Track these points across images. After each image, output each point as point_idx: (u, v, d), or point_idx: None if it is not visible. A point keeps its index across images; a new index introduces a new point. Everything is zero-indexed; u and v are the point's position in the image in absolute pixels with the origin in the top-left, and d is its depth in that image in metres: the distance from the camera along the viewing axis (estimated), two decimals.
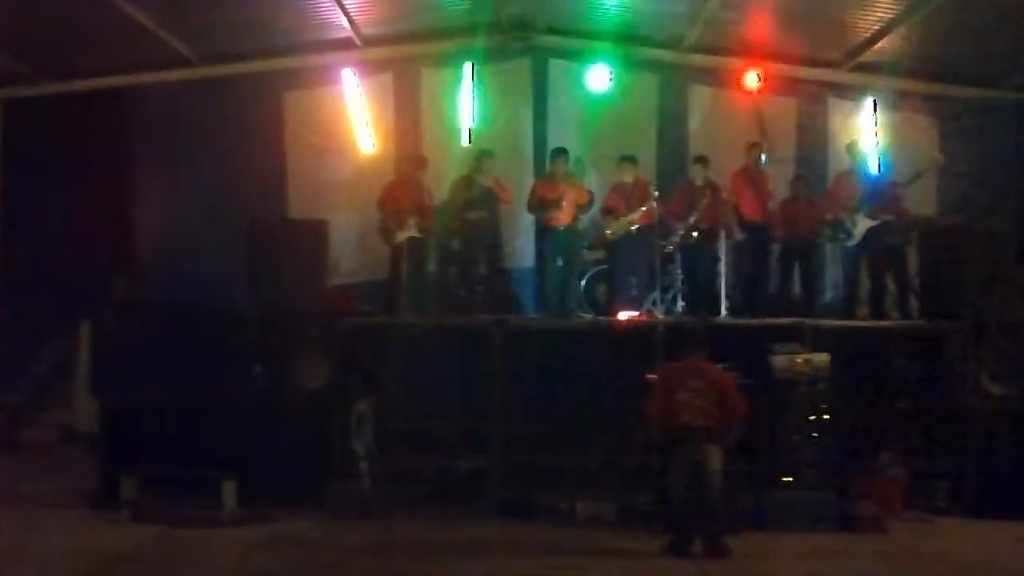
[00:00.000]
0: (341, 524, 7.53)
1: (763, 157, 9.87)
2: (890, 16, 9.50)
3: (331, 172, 10.58)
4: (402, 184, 9.82)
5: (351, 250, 10.50)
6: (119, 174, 10.68)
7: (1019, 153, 10.63)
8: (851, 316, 9.30)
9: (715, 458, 6.80)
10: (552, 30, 10.96)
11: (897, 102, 10.70)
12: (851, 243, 9.47)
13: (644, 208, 9.51)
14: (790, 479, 7.68)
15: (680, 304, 9.58)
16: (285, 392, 8.09)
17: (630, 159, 9.90)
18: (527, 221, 10.37)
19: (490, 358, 8.49)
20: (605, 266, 10.03)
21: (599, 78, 10.47)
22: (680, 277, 9.68)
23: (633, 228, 9.61)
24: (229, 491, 7.60)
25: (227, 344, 8.17)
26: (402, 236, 9.47)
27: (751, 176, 9.88)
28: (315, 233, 8.72)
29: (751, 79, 10.31)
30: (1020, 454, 8.05)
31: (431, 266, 9.84)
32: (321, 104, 10.60)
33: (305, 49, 10.61)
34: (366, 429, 8.12)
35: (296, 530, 7.40)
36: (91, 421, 8.65)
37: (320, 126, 10.62)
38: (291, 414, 8.07)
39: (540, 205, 9.71)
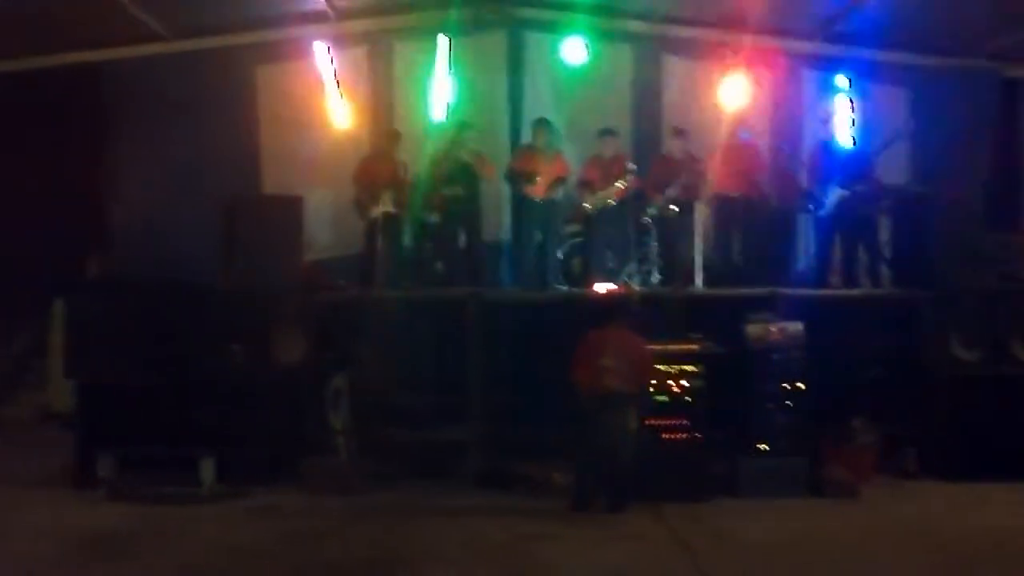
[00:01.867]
0: (318, 499, 7.59)
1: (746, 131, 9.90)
2: None
3: (305, 147, 10.47)
4: (377, 159, 9.80)
5: (326, 225, 10.48)
6: (93, 151, 10.54)
7: (988, 122, 10.71)
8: (823, 285, 9.38)
9: (632, 422, 7.33)
10: (526, 2, 10.90)
11: (869, 72, 10.73)
12: (823, 213, 9.53)
13: (621, 184, 9.53)
14: (764, 447, 7.79)
15: (656, 276, 9.64)
16: (262, 368, 8.09)
17: (611, 132, 9.89)
18: (505, 193, 10.38)
19: (467, 331, 8.53)
20: (582, 239, 10.05)
21: (574, 50, 10.42)
22: (656, 249, 9.73)
23: (611, 201, 9.63)
24: (207, 468, 7.64)
25: (203, 321, 8.13)
26: (377, 211, 9.46)
27: (732, 148, 9.90)
28: (290, 209, 8.70)
29: (724, 51, 10.27)
30: (988, 419, 8.16)
31: (407, 240, 9.84)
32: (295, 78, 10.51)
33: (278, 22, 10.51)
34: (343, 403, 8.15)
35: (275, 504, 7.47)
36: (66, 400, 8.64)
37: (294, 100, 10.53)
38: (268, 390, 8.08)
39: (518, 176, 9.73)
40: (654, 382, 7.68)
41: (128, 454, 7.72)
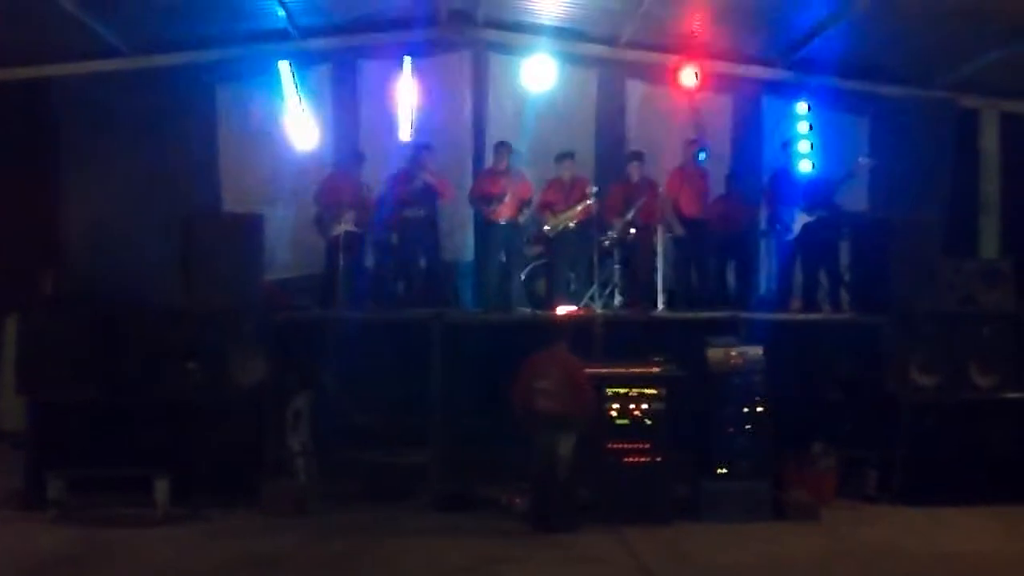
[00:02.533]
0: (277, 521, 7.45)
1: (702, 154, 9.97)
2: (823, 15, 9.68)
3: (266, 165, 10.39)
4: (339, 178, 9.73)
5: (287, 244, 10.35)
6: (47, 166, 10.35)
7: (946, 150, 10.90)
8: (785, 309, 9.44)
9: (565, 445, 7.35)
10: (491, 24, 10.93)
11: (829, 100, 10.90)
12: (787, 238, 9.61)
13: (581, 206, 9.55)
14: (725, 470, 7.77)
15: (618, 298, 9.64)
16: (220, 389, 7.95)
17: (569, 155, 9.93)
18: (468, 215, 10.36)
19: (430, 352, 8.46)
20: (544, 260, 10.05)
21: (538, 73, 10.47)
22: (618, 271, 9.74)
23: (572, 224, 9.65)
24: (161, 489, 7.46)
25: (160, 340, 8.00)
26: (339, 229, 9.38)
27: (689, 173, 9.99)
28: (250, 227, 8.58)
29: (688, 76, 10.42)
30: (947, 443, 8.23)
31: (368, 260, 9.76)
32: (256, 96, 10.42)
33: (240, 39, 10.43)
34: (303, 425, 8.04)
35: (230, 527, 7.31)
36: (17, 419, 8.41)
37: (255, 118, 10.43)
38: (226, 411, 7.94)
39: (482, 199, 9.71)
40: (615, 406, 7.67)
41: (80, 475, 7.51)
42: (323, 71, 10.74)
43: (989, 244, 11.17)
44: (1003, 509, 7.80)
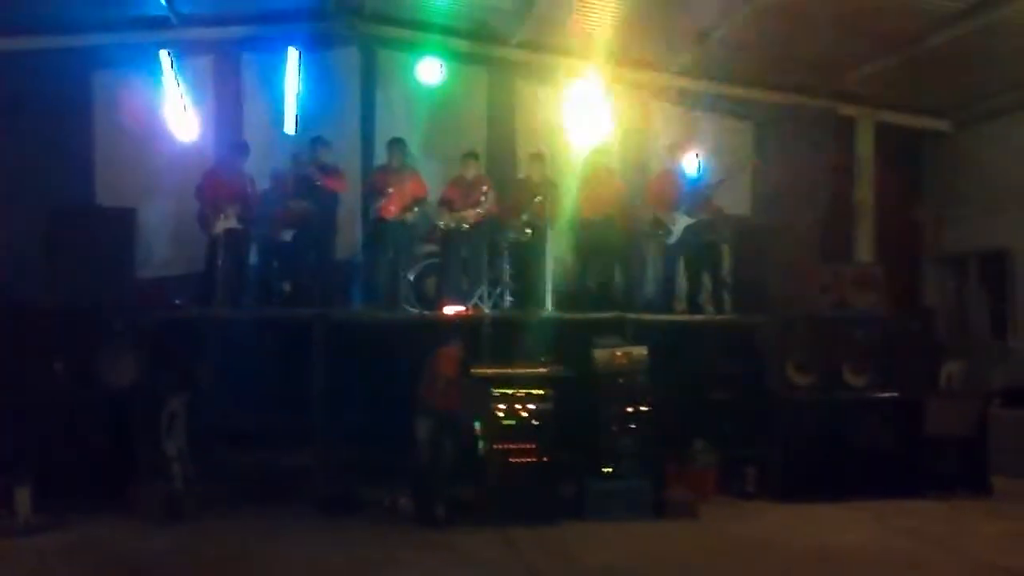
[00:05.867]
0: (148, 528, 7.15)
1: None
2: (708, 22, 9.87)
3: (145, 158, 9.92)
4: (222, 171, 9.41)
5: (166, 240, 9.97)
6: None
7: (824, 156, 11.26)
8: (669, 311, 9.58)
9: (450, 441, 7.60)
10: (380, 19, 10.76)
11: (715, 105, 11.13)
12: (671, 240, 9.75)
13: (480, 209, 9.50)
14: (609, 469, 7.84)
15: (508, 299, 9.62)
16: (86, 390, 7.60)
17: (473, 155, 9.88)
18: (358, 212, 10.19)
19: (312, 352, 8.26)
20: (436, 259, 9.95)
21: (429, 70, 10.37)
22: (508, 272, 9.72)
23: (466, 224, 9.59)
24: (22, 498, 7.07)
25: (22, 339, 7.59)
26: (220, 226, 9.06)
27: (592, 175, 10.00)
28: (122, 221, 8.25)
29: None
30: (821, 441, 8.50)
31: (252, 258, 9.48)
32: (134, 85, 9.97)
33: (117, 25, 9.98)
34: (178, 427, 7.73)
35: (97, 536, 6.97)
36: None
37: (133, 108, 9.98)
38: (93, 414, 7.62)
39: (370, 195, 9.58)
40: (502, 406, 7.66)
41: None
42: (205, 62, 10.35)
43: (863, 249, 11.59)
44: (874, 503, 8.12)
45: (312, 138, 9.67)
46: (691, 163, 9.90)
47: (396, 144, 9.70)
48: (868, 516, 7.86)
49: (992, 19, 9.06)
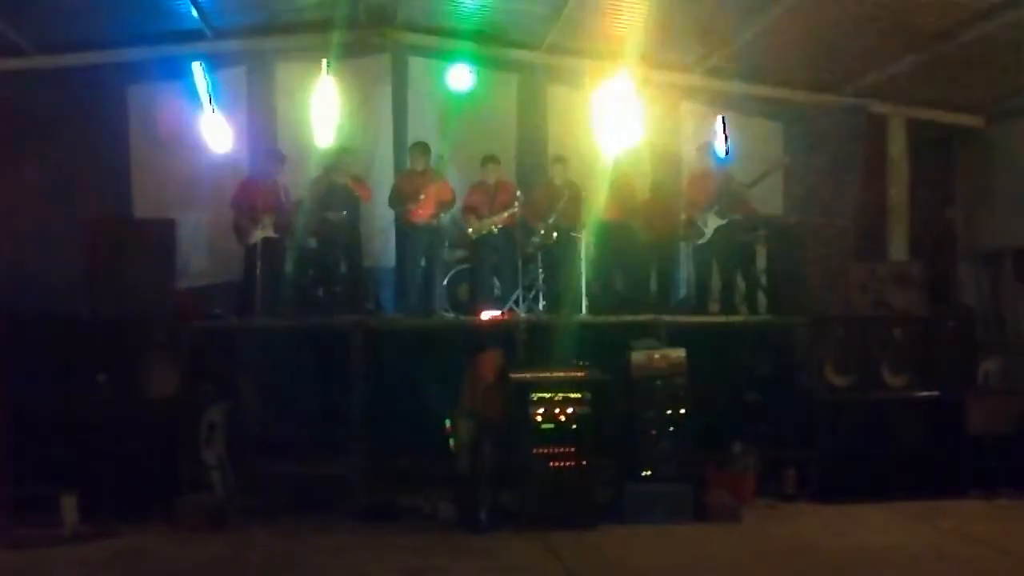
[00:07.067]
0: (191, 537, 7.20)
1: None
2: (738, 23, 9.84)
3: (180, 169, 10.09)
4: (257, 182, 9.50)
5: (202, 251, 10.12)
6: None
7: (856, 155, 11.19)
8: (704, 312, 9.56)
9: (491, 447, 7.57)
10: (411, 27, 10.84)
11: (745, 106, 11.09)
12: (702, 242, 9.73)
13: (508, 213, 9.53)
14: (648, 473, 7.82)
15: (542, 303, 9.64)
16: (130, 401, 7.68)
17: (493, 159, 9.91)
18: (389, 219, 10.25)
19: (350, 360, 8.32)
20: (467, 265, 9.99)
21: (459, 77, 10.45)
22: (541, 276, 9.74)
23: (495, 228, 9.62)
24: (69, 507, 7.14)
25: (66, 352, 7.68)
26: (257, 236, 9.16)
27: (621, 177, 10.00)
28: (161, 233, 8.32)
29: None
30: (861, 441, 8.44)
31: (288, 267, 9.56)
32: (169, 97, 10.10)
33: (151, 40, 10.12)
34: (218, 437, 7.80)
35: (143, 545, 7.03)
36: None
37: (168, 120, 10.11)
38: (137, 424, 7.67)
39: (398, 200, 9.61)
40: (540, 411, 7.65)
41: None
42: (238, 73, 10.51)
43: (897, 247, 11.50)
44: (915, 503, 8.03)
45: (337, 148, 9.73)
46: (723, 164, 9.86)
47: (418, 147, 9.76)
48: (910, 516, 7.78)
49: (1022, 14, 8.96)
